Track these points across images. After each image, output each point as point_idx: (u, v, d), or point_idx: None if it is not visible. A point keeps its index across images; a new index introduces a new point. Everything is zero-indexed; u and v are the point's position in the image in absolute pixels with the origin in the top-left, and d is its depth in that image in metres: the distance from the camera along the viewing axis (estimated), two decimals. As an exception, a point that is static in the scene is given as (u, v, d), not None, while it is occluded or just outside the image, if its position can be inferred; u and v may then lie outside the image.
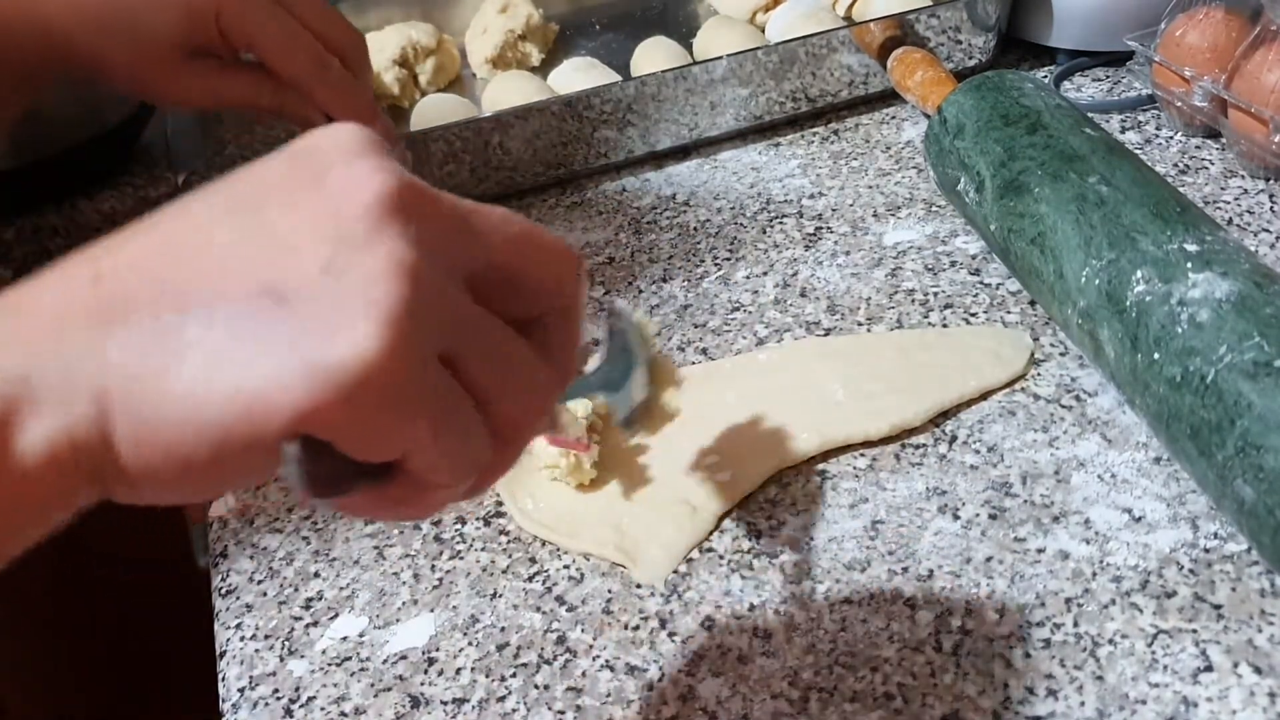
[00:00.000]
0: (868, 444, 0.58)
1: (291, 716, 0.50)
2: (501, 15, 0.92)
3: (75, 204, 0.89)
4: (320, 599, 0.55)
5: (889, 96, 0.83)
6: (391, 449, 0.30)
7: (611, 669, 0.50)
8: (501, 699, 0.49)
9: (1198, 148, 0.75)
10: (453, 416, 0.31)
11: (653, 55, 0.86)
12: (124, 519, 0.46)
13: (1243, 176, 0.72)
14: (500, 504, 0.58)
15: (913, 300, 0.66)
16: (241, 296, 0.29)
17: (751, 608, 0.51)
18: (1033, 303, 0.65)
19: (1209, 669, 0.46)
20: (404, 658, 0.52)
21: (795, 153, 0.81)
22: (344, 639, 0.53)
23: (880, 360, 0.62)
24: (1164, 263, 0.54)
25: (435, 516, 0.58)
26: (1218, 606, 0.48)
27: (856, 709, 0.47)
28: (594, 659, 0.50)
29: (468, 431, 0.32)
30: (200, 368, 0.29)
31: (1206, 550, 0.51)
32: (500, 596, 0.54)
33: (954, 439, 0.58)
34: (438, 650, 0.52)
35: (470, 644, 0.52)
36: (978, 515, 0.54)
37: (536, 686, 0.50)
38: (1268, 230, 0.67)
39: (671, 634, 0.51)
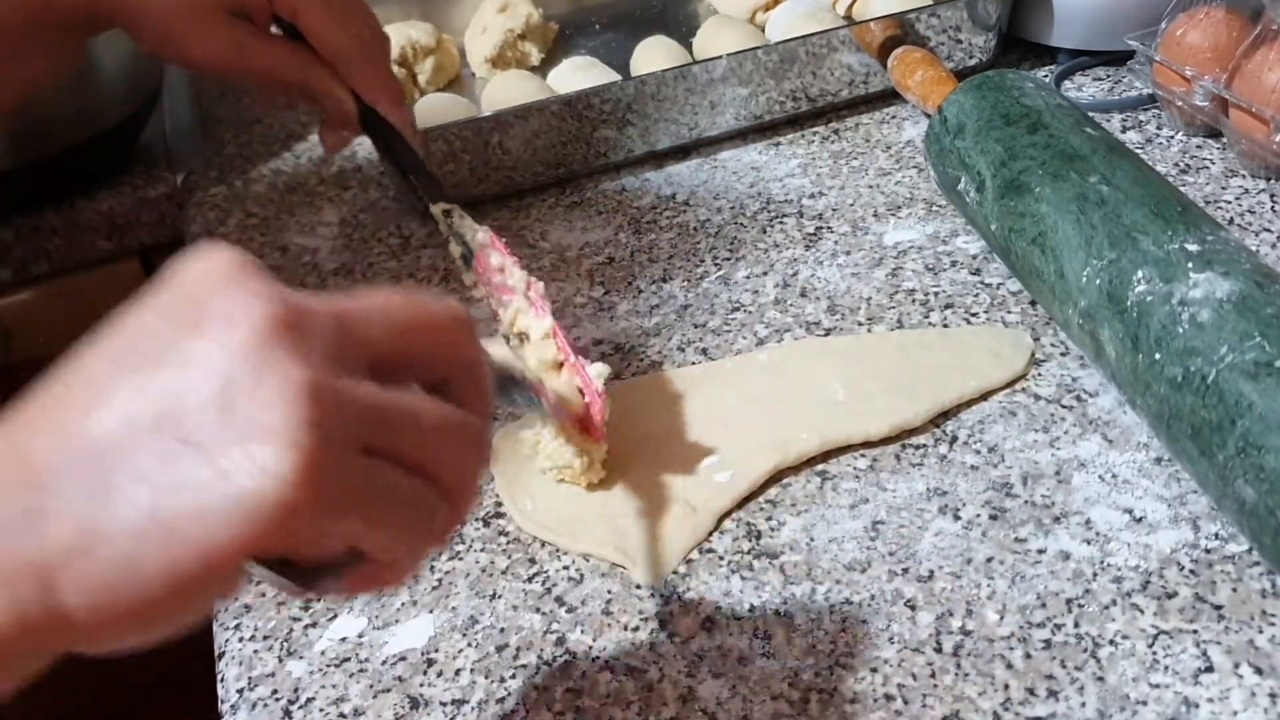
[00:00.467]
0: (868, 444, 0.58)
1: (290, 717, 0.50)
2: (501, 15, 0.92)
3: (74, 204, 0.88)
4: (319, 599, 0.55)
5: (889, 96, 0.83)
6: (338, 545, 0.33)
7: (611, 670, 0.50)
8: (501, 700, 0.49)
9: (1198, 147, 0.75)
10: (386, 502, 0.33)
11: (652, 55, 0.85)
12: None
13: (1243, 176, 0.72)
14: (500, 505, 0.58)
15: (913, 300, 0.66)
16: (158, 450, 0.30)
17: (751, 608, 0.51)
18: (1033, 303, 0.65)
19: (1210, 670, 0.46)
20: (403, 659, 0.52)
21: (795, 152, 0.81)
22: (343, 640, 0.53)
23: (880, 360, 0.62)
24: (1165, 262, 0.54)
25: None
26: (1219, 607, 0.48)
27: (856, 710, 0.46)
28: (593, 660, 0.50)
29: (407, 505, 0.33)
30: (135, 526, 0.30)
31: (1207, 551, 0.50)
32: (500, 597, 0.54)
33: (954, 439, 0.57)
34: (437, 651, 0.52)
35: (469, 645, 0.52)
36: (978, 516, 0.54)
37: (536, 688, 0.49)
38: (1269, 230, 0.67)
39: (671, 635, 0.51)
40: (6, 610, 0.30)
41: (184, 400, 0.30)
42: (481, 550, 0.56)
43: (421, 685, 0.50)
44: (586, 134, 0.79)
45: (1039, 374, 0.60)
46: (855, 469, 0.57)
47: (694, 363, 0.65)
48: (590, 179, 0.81)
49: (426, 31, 0.90)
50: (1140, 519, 0.52)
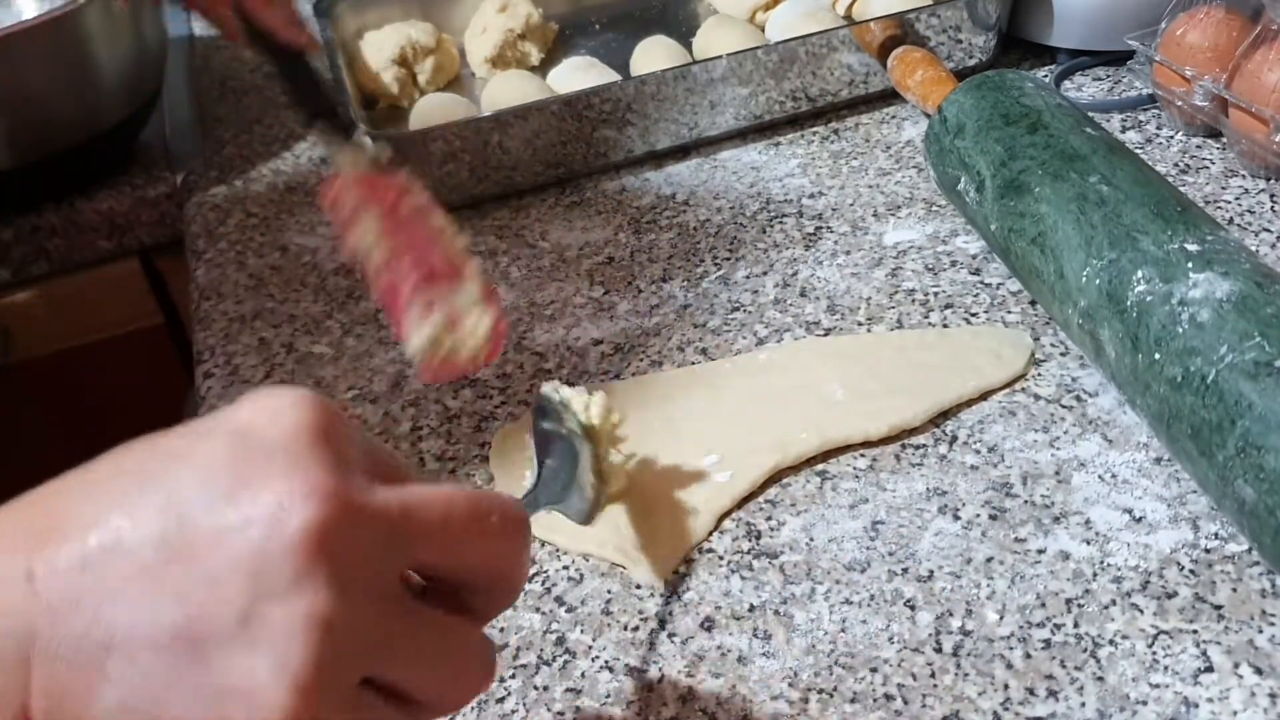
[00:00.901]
0: (868, 444, 0.58)
1: (290, 717, 0.50)
2: (501, 14, 0.92)
3: (74, 204, 0.88)
4: None
5: (889, 96, 0.83)
6: None
7: (611, 670, 0.50)
8: (500, 700, 0.49)
9: (1198, 147, 0.75)
10: None
11: (652, 54, 0.86)
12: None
13: (1243, 176, 0.72)
14: (499, 504, 0.58)
15: (913, 300, 0.66)
16: (162, 639, 0.29)
17: (751, 608, 0.51)
18: (1033, 303, 0.65)
19: (1210, 670, 0.46)
20: (403, 658, 0.52)
21: (795, 152, 0.81)
22: (343, 640, 0.53)
23: (880, 360, 0.62)
24: (1165, 262, 0.54)
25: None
26: (1218, 607, 0.48)
27: (856, 710, 0.46)
28: (593, 660, 0.50)
29: None
30: (115, 708, 0.30)
31: (1207, 551, 0.50)
32: (499, 597, 0.54)
33: (954, 439, 0.57)
34: (437, 651, 0.52)
35: (469, 645, 0.52)
36: (978, 516, 0.54)
37: (535, 687, 0.49)
38: (1268, 230, 0.67)
39: (671, 634, 0.51)
40: None
41: (207, 587, 0.29)
42: (481, 550, 0.56)
43: (421, 685, 0.50)
44: (586, 134, 0.79)
45: (1039, 374, 0.60)
46: (855, 469, 0.57)
47: (694, 363, 0.65)
48: (590, 179, 0.81)
49: (426, 31, 0.90)
50: (1140, 519, 0.52)
